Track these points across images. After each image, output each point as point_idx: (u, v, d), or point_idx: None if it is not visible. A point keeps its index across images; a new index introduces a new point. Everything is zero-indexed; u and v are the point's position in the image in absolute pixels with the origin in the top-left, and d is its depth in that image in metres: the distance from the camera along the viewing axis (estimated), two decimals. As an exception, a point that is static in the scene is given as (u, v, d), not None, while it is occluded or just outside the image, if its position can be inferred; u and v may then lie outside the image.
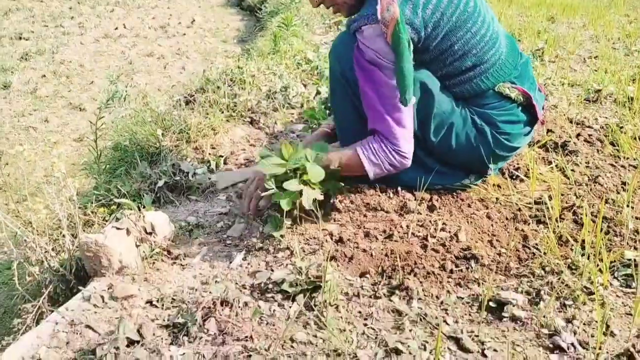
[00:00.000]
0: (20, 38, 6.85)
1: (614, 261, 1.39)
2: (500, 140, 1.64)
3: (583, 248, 1.40)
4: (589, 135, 2.28)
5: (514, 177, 1.88)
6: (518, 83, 1.63)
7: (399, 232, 1.53)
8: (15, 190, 2.77)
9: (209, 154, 2.13)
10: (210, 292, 1.26)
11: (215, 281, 1.36)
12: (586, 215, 1.53)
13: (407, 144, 1.56)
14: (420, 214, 1.64)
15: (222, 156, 2.11)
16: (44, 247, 1.43)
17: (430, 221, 1.59)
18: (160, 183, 1.84)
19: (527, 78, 1.67)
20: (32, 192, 2.37)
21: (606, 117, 2.56)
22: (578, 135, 2.28)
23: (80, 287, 1.35)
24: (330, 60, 1.65)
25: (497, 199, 1.73)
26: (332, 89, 1.69)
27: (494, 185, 1.80)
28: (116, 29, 7.61)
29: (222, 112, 2.39)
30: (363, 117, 1.60)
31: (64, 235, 1.47)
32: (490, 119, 1.62)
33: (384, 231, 1.54)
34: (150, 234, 1.52)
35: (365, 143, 1.58)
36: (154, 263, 1.45)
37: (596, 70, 3.47)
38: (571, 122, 2.47)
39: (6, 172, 3.11)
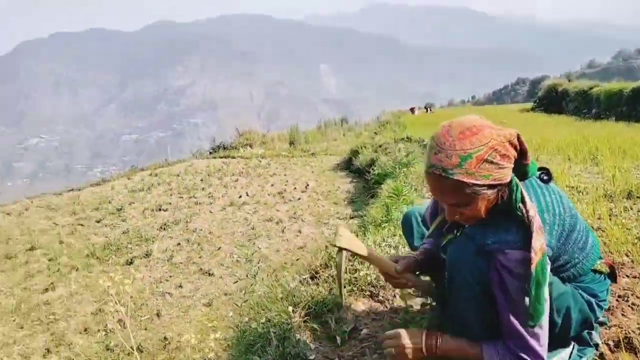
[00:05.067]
0: (160, 209, 7.83)
1: None
2: (602, 306, 1.82)
3: None
4: None
5: None
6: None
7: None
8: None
9: (334, 329, 2.30)
10: None
11: None
12: None
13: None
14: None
15: (345, 331, 2.26)
16: None
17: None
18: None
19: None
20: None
21: None
22: None
23: None
24: (459, 271, 1.71)
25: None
26: (458, 294, 1.75)
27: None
28: (240, 197, 8.48)
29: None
30: (485, 322, 1.69)
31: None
32: (593, 291, 1.79)
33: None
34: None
35: (493, 345, 1.66)
36: None
37: None
38: None
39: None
